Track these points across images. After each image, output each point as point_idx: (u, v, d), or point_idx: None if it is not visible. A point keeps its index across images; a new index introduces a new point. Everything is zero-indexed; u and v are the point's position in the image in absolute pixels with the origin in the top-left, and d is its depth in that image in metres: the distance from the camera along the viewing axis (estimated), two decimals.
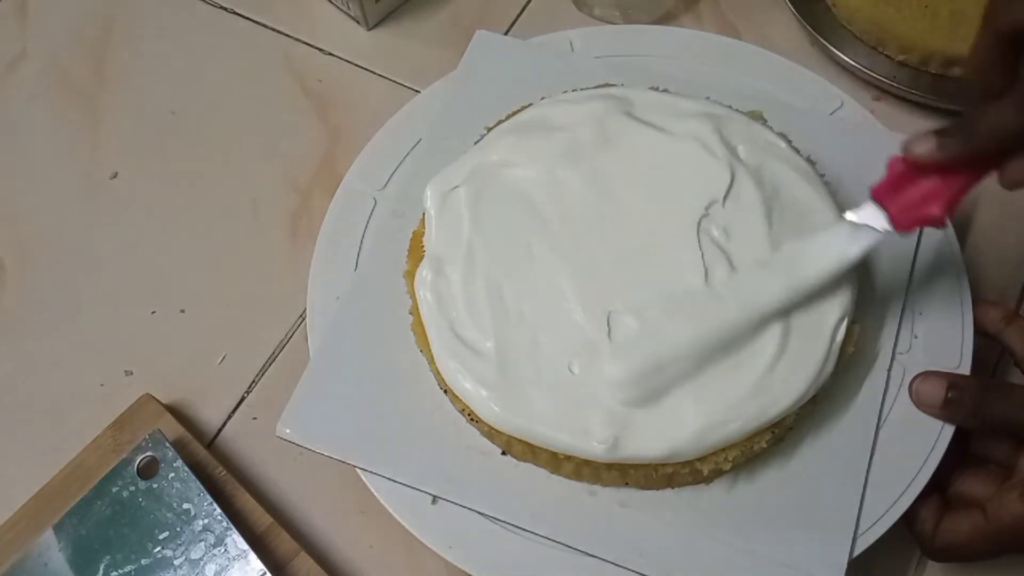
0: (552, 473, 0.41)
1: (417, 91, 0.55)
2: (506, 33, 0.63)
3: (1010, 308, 0.45)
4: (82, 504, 0.44)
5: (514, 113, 0.48)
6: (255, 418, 0.50)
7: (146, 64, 0.63)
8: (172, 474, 0.44)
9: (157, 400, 0.48)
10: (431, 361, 0.42)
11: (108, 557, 0.42)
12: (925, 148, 0.36)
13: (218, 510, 0.43)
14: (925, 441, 0.41)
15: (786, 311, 0.40)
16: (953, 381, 0.41)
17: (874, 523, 0.40)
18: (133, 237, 0.56)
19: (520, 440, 0.40)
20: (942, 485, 0.42)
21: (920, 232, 0.46)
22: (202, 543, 0.43)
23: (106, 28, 0.65)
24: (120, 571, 0.42)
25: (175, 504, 0.43)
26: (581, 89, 0.49)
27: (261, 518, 0.45)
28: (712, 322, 0.40)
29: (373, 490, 0.41)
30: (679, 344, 0.39)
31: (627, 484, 0.41)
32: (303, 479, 0.47)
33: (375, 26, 0.64)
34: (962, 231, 0.52)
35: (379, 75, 0.62)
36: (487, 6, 0.64)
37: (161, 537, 0.43)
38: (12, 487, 0.46)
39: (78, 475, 0.46)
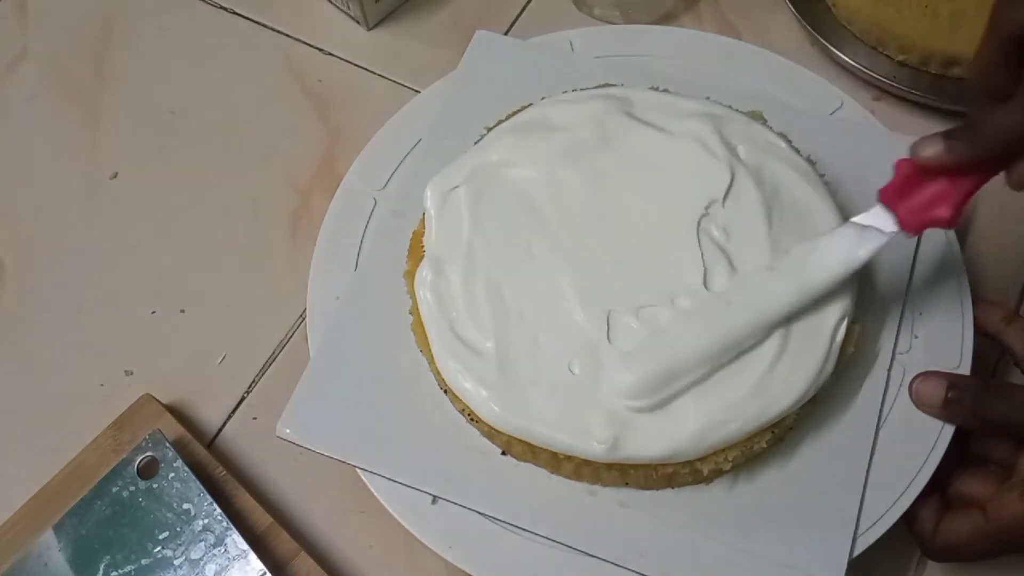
0: (552, 473, 0.41)
1: (417, 91, 0.55)
2: (506, 33, 0.63)
3: (1010, 308, 0.45)
4: (82, 504, 0.44)
5: (514, 113, 0.48)
6: (255, 418, 0.50)
7: (146, 64, 0.63)
8: (172, 474, 0.44)
9: (157, 400, 0.48)
10: (431, 361, 0.42)
11: (108, 557, 0.42)
12: (933, 151, 0.36)
13: (218, 510, 0.43)
14: (925, 441, 0.41)
15: (794, 315, 0.40)
16: (953, 381, 0.41)
17: (874, 523, 0.40)
18: (133, 237, 0.56)
19: (520, 440, 0.40)
20: (942, 485, 0.42)
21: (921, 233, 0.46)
22: (202, 543, 0.43)
23: (106, 28, 0.65)
24: (120, 571, 0.42)
25: (175, 504, 0.43)
26: (581, 89, 0.49)
27: (261, 518, 0.45)
28: (723, 329, 0.40)
29: (373, 490, 0.41)
30: (691, 352, 0.39)
31: (627, 484, 0.41)
32: (303, 479, 0.47)
33: (375, 26, 0.64)
34: (962, 231, 0.52)
35: (379, 75, 0.62)
36: (487, 6, 0.64)
37: (161, 537, 0.43)
38: (12, 487, 0.46)
39: (78, 475, 0.46)
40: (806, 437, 0.42)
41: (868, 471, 0.41)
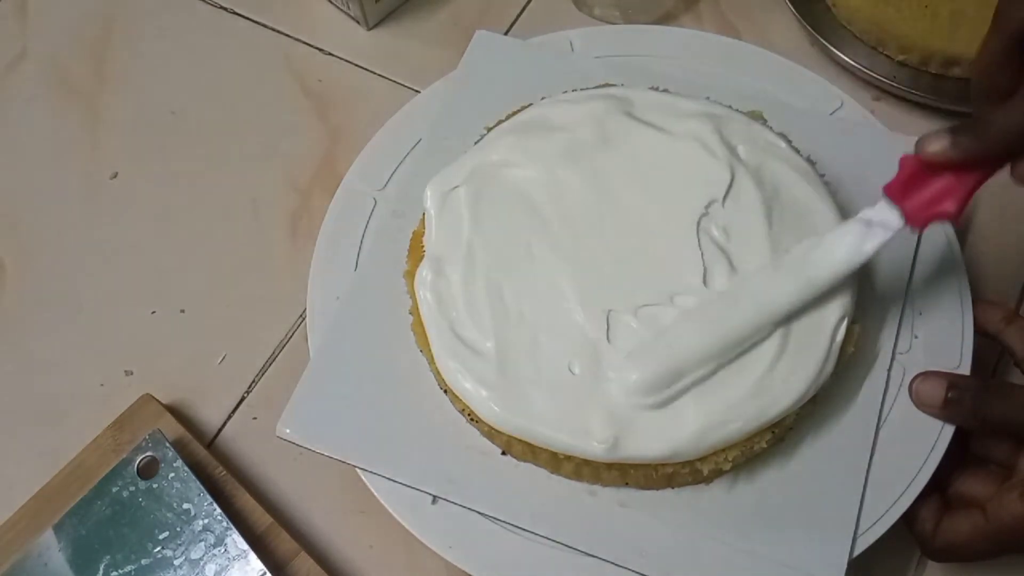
0: (552, 473, 0.41)
1: (417, 91, 0.55)
2: (506, 33, 0.63)
3: (1010, 308, 0.45)
4: (82, 504, 0.44)
5: (514, 113, 0.48)
6: (255, 418, 0.50)
7: (146, 64, 0.63)
8: (172, 474, 0.44)
9: (157, 400, 0.48)
10: (431, 361, 0.42)
11: (108, 557, 0.42)
12: (939, 146, 0.36)
13: (218, 510, 0.43)
14: (925, 441, 0.41)
15: (798, 311, 0.40)
16: (953, 381, 0.41)
17: (874, 523, 0.40)
18: (133, 237, 0.56)
19: (520, 440, 0.40)
20: (942, 485, 0.42)
21: (920, 231, 0.46)
22: (202, 543, 0.43)
23: (106, 28, 0.65)
24: (120, 571, 0.42)
25: (175, 504, 0.43)
26: (581, 89, 0.49)
27: (261, 518, 0.45)
28: (727, 325, 0.40)
29: (373, 490, 0.41)
30: (696, 349, 0.39)
31: (627, 484, 0.41)
32: (303, 479, 0.47)
33: (375, 26, 0.64)
34: (962, 231, 0.52)
35: (379, 75, 0.62)
36: (487, 6, 0.64)
37: (161, 537, 0.43)
38: (12, 487, 0.46)
39: (78, 475, 0.46)
40: (806, 437, 0.42)
41: (868, 471, 0.41)
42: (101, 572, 0.42)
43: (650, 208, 0.43)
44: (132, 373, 0.51)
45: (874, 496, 0.40)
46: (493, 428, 0.40)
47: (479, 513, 0.41)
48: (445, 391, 0.42)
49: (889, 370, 0.43)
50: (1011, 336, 0.43)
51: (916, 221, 0.38)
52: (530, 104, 0.48)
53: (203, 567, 0.42)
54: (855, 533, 0.39)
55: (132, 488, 0.44)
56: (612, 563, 0.39)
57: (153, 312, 0.53)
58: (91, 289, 0.54)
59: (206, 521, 0.43)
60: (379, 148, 0.51)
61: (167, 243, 0.56)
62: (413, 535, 0.40)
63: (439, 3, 0.64)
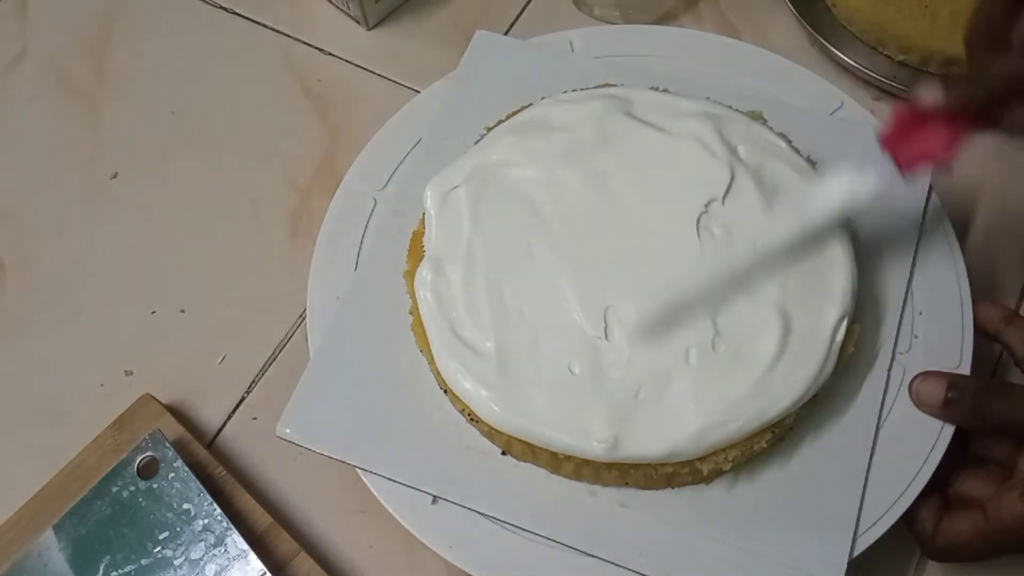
0: (552, 473, 0.41)
1: (417, 91, 0.55)
2: (506, 33, 0.63)
3: (1010, 308, 0.44)
4: (82, 504, 0.44)
5: (514, 113, 0.48)
6: (255, 418, 0.50)
7: (146, 64, 0.63)
8: (172, 474, 0.44)
9: (157, 400, 0.48)
10: (431, 361, 0.42)
11: (108, 557, 0.42)
12: (933, 94, 0.37)
13: (218, 510, 0.43)
14: (925, 441, 0.41)
15: (793, 256, 0.41)
16: (953, 381, 0.41)
17: (874, 523, 0.40)
18: (133, 237, 0.56)
19: (520, 440, 0.40)
20: (942, 485, 0.42)
21: (920, 231, 0.46)
22: (202, 543, 0.43)
23: (106, 28, 0.65)
24: (120, 571, 0.42)
25: (175, 504, 0.43)
26: (581, 89, 0.49)
27: (261, 518, 0.45)
28: (724, 264, 0.41)
29: (373, 490, 0.41)
30: (694, 288, 0.40)
31: (627, 484, 0.41)
32: (303, 479, 0.47)
33: (375, 26, 0.64)
34: (962, 231, 0.52)
35: (379, 75, 0.62)
36: (487, 6, 0.64)
37: (161, 537, 0.43)
38: (12, 487, 0.46)
39: (78, 475, 0.46)
40: (806, 437, 0.42)
41: (868, 471, 0.41)
42: (101, 572, 0.42)
43: (650, 208, 0.43)
44: (132, 373, 0.51)
45: (874, 496, 0.40)
46: (493, 428, 0.40)
47: (479, 513, 0.41)
48: (445, 391, 0.42)
49: (889, 370, 0.43)
50: (1011, 336, 0.43)
51: (907, 164, 0.39)
52: (530, 104, 0.48)
53: (203, 567, 0.42)
54: (855, 533, 0.39)
55: (132, 488, 0.44)
56: (612, 563, 0.39)
57: (153, 312, 0.53)
58: (91, 289, 0.54)
59: (206, 521, 0.43)
60: (379, 148, 0.51)
61: (167, 243, 0.56)
62: (413, 535, 0.40)
63: (439, 3, 0.64)
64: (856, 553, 0.39)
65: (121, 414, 0.48)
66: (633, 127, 0.45)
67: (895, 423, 0.42)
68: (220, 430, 0.50)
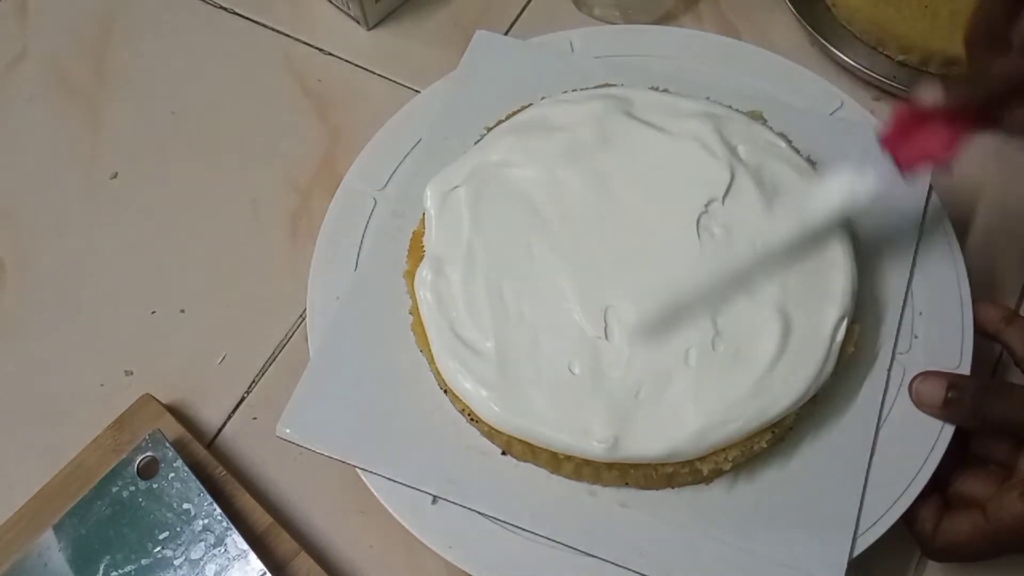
0: (552, 473, 0.41)
1: (417, 91, 0.55)
2: (506, 33, 0.63)
3: (1010, 308, 0.44)
4: (82, 504, 0.44)
5: (514, 113, 0.48)
6: (255, 418, 0.50)
7: (146, 64, 0.63)
8: (172, 474, 0.44)
9: (157, 400, 0.48)
10: (431, 361, 0.42)
11: (108, 557, 0.42)
12: (933, 94, 0.38)
13: (218, 510, 0.43)
14: (925, 441, 0.41)
15: (793, 255, 0.41)
16: (953, 381, 0.41)
17: (874, 523, 0.40)
18: (133, 237, 0.56)
19: (520, 440, 0.40)
20: (942, 485, 0.42)
21: (920, 231, 0.46)
22: (202, 543, 0.43)
23: (106, 28, 0.65)
24: (120, 571, 0.42)
25: (175, 504, 0.43)
26: (581, 89, 0.49)
27: (261, 518, 0.45)
28: (724, 263, 0.41)
29: (373, 490, 0.41)
30: (694, 287, 0.40)
31: (627, 484, 0.41)
32: (303, 479, 0.47)
33: (375, 26, 0.64)
34: (962, 231, 0.52)
35: (379, 75, 0.62)
36: (487, 6, 0.64)
37: (161, 537, 0.43)
38: (12, 487, 0.46)
39: (78, 475, 0.46)
40: (806, 437, 0.42)
41: (868, 471, 0.41)
42: (101, 572, 0.42)
43: (650, 208, 0.43)
44: (132, 373, 0.51)
45: (874, 496, 0.40)
46: (493, 428, 0.40)
47: (479, 513, 0.41)
48: (445, 391, 0.42)
49: (889, 370, 0.43)
50: (1011, 336, 0.43)
51: (907, 164, 0.39)
52: (530, 104, 0.48)
53: (203, 567, 0.42)
54: (855, 533, 0.39)
55: (132, 488, 0.44)
56: (612, 563, 0.39)
57: (153, 312, 0.53)
58: (91, 289, 0.54)
59: (206, 521, 0.43)
60: (379, 148, 0.51)
61: (167, 243, 0.56)
62: (413, 535, 0.40)
63: (439, 3, 0.64)
64: (856, 553, 0.39)
65: (121, 414, 0.48)
66: (633, 127, 0.45)
67: (895, 423, 0.42)
68: (220, 430, 0.50)
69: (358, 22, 0.63)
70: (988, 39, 0.38)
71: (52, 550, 0.43)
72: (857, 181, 0.40)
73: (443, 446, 0.42)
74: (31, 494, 0.46)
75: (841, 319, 0.41)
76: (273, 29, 0.64)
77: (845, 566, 0.38)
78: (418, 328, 0.43)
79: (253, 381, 0.51)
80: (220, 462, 0.46)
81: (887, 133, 0.39)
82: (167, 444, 0.45)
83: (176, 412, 0.49)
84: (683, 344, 0.40)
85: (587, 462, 0.39)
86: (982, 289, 0.50)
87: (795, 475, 0.41)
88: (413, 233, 0.46)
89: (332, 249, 0.48)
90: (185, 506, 0.43)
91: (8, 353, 0.52)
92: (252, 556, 0.42)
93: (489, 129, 0.48)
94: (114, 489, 0.44)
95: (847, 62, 0.57)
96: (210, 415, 0.50)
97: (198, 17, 0.65)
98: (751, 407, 0.39)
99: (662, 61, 0.53)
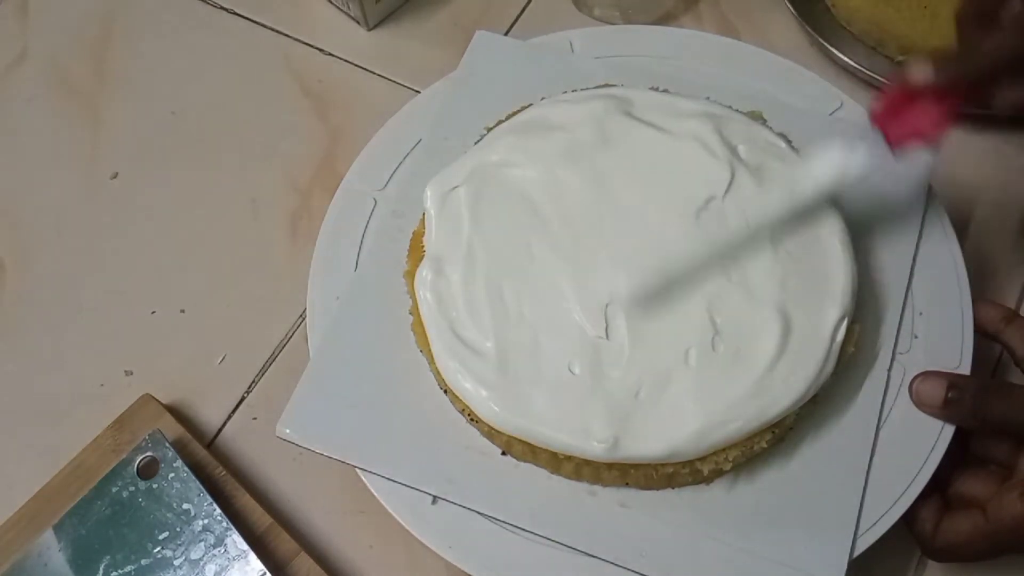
0: (552, 473, 0.41)
1: (417, 91, 0.55)
2: (506, 33, 0.63)
3: (1010, 308, 0.44)
4: (82, 504, 0.44)
5: (514, 113, 0.48)
6: (255, 418, 0.50)
7: (146, 64, 0.63)
8: (172, 474, 0.44)
9: (157, 400, 0.48)
10: (431, 361, 0.42)
11: (108, 557, 0.42)
12: (923, 72, 0.38)
13: (218, 510, 0.43)
14: (925, 441, 0.41)
15: (784, 229, 0.42)
16: (953, 381, 0.41)
17: (874, 523, 0.40)
18: (133, 237, 0.56)
19: (520, 440, 0.40)
20: (942, 485, 0.42)
21: (920, 231, 0.46)
22: (202, 543, 0.43)
23: (106, 28, 0.65)
24: (120, 571, 0.42)
25: (175, 504, 0.43)
26: (581, 89, 0.49)
27: (261, 518, 0.45)
28: (717, 235, 0.41)
29: (373, 490, 0.41)
30: (686, 258, 0.41)
31: (627, 484, 0.41)
32: (303, 479, 0.47)
33: (375, 26, 0.64)
34: (962, 231, 0.52)
35: (379, 75, 0.62)
36: (487, 6, 0.64)
37: (161, 537, 0.43)
38: (12, 487, 0.46)
39: (78, 475, 0.46)
40: (806, 437, 0.42)
41: (868, 471, 0.41)
42: (101, 572, 0.42)
43: (650, 207, 0.43)
44: (132, 373, 0.51)
45: (874, 496, 0.40)
46: (493, 428, 0.40)
47: (479, 513, 0.41)
48: (445, 391, 0.42)
49: (889, 370, 0.43)
50: (1011, 336, 0.43)
51: (897, 141, 0.39)
52: (530, 104, 0.48)
53: (203, 567, 0.42)
54: (855, 533, 0.39)
55: (132, 488, 0.44)
56: (612, 563, 0.39)
57: (153, 312, 0.53)
58: (91, 289, 0.54)
59: (206, 521, 0.43)
60: (379, 148, 0.51)
61: (167, 243, 0.56)
62: (413, 535, 0.40)
63: (439, 3, 0.64)
64: (856, 553, 0.39)
65: (121, 414, 0.48)
66: (633, 127, 0.45)
67: (895, 423, 0.42)
68: (220, 430, 0.50)
69: (358, 22, 0.63)
70: (978, 17, 0.39)
71: (52, 550, 0.43)
72: (848, 156, 0.40)
73: (443, 446, 0.42)
74: (31, 494, 0.46)
75: (841, 319, 0.41)
76: (273, 29, 0.64)
77: (845, 566, 0.38)
78: (418, 328, 0.43)
79: (253, 381, 0.51)
80: (220, 462, 0.46)
81: (877, 110, 0.40)
82: (167, 444, 0.45)
83: (176, 412, 0.49)
84: (683, 344, 0.40)
85: (587, 462, 0.39)
86: (982, 289, 0.50)
87: (795, 475, 0.41)
88: (413, 233, 0.46)
89: (332, 249, 0.48)
90: (185, 506, 0.43)
91: (8, 353, 0.52)
92: (252, 556, 0.42)
93: (489, 129, 0.48)
94: (114, 489, 0.44)
95: (847, 62, 0.57)
96: (210, 415, 0.50)
97: (198, 17, 0.65)
98: (751, 407, 0.39)
99: (662, 61, 0.53)
